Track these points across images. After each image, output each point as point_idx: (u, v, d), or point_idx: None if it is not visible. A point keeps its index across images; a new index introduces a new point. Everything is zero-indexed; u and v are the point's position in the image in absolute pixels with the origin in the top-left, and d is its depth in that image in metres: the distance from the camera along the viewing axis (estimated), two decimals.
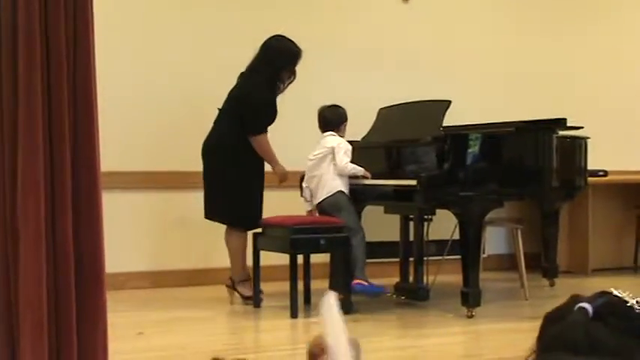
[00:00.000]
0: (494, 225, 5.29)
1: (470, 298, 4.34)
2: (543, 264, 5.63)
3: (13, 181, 2.23)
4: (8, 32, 2.23)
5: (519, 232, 5.15)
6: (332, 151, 4.75)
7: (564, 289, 5.47)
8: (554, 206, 5.58)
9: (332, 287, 4.80)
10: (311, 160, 4.84)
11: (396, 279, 5.09)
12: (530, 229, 5.70)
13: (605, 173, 5.70)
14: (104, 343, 2.38)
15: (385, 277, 5.21)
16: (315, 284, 4.84)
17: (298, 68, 4.96)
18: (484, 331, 4.18)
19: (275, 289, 4.88)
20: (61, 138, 2.27)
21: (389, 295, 4.92)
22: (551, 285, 5.58)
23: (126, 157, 5.35)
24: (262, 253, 4.73)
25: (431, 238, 4.87)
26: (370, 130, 5.40)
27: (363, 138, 5.35)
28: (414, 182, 4.34)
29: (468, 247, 4.36)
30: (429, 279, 4.90)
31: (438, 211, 4.74)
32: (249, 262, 4.81)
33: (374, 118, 5.47)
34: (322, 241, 4.47)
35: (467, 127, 4.81)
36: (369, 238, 4.75)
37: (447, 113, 4.79)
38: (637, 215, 6.45)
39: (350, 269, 4.53)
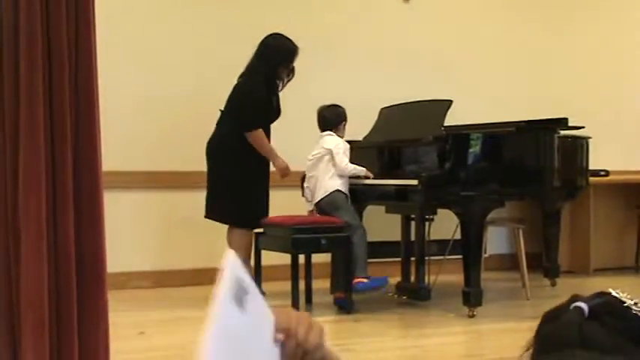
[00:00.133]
0: (495, 225, 5.29)
1: (471, 297, 4.34)
2: (545, 264, 5.63)
3: (15, 180, 2.24)
4: (10, 33, 2.23)
5: (521, 232, 5.15)
6: (329, 152, 4.75)
7: (566, 289, 5.47)
8: (555, 206, 5.58)
9: (333, 287, 4.81)
10: (310, 160, 4.85)
11: (398, 279, 5.09)
12: (532, 228, 5.70)
13: (607, 173, 5.70)
14: (105, 342, 2.38)
15: (386, 277, 5.21)
16: (317, 284, 4.85)
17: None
18: (485, 330, 4.18)
19: (276, 288, 4.88)
20: (63, 138, 2.27)
21: (390, 294, 4.92)
22: (553, 285, 5.58)
23: (128, 156, 5.36)
24: (264, 253, 4.74)
25: (432, 237, 4.87)
26: (371, 129, 5.41)
27: (365, 138, 5.36)
28: (415, 182, 4.34)
29: (469, 247, 4.36)
30: (430, 279, 4.90)
31: (439, 210, 4.75)
32: (251, 262, 4.81)
33: (375, 117, 5.47)
34: (323, 241, 4.47)
35: (468, 127, 4.82)
36: (370, 238, 4.76)
37: (448, 113, 4.80)
38: (638, 215, 6.45)
39: (351, 269, 4.53)
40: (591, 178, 5.29)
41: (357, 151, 5.12)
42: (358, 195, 4.93)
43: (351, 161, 4.78)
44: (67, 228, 2.28)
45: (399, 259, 5.14)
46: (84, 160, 2.32)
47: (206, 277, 5.50)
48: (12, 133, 2.24)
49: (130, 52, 5.47)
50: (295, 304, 4.38)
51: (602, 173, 5.64)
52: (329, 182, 4.74)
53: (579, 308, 0.85)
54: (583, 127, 4.95)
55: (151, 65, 5.55)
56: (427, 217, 4.82)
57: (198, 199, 4.98)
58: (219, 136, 4.91)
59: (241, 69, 4.95)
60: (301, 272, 4.62)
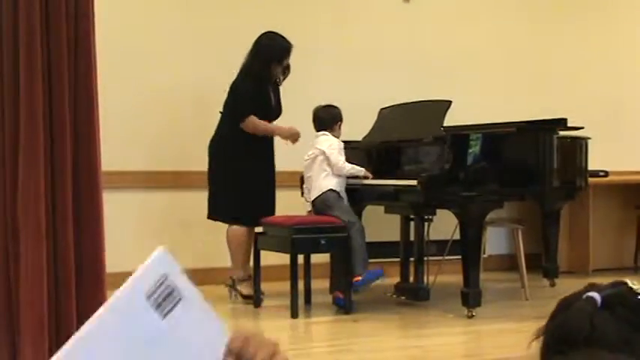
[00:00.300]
0: (494, 225, 5.29)
1: (470, 298, 4.34)
2: (544, 264, 5.63)
3: (14, 181, 2.24)
4: (9, 32, 2.23)
5: (520, 233, 5.14)
6: (322, 153, 4.75)
7: (565, 289, 5.41)
8: (554, 206, 5.58)
9: (333, 287, 4.80)
10: (305, 161, 4.86)
11: (397, 279, 5.09)
12: (531, 229, 5.70)
13: (606, 173, 5.70)
14: None
15: (386, 277, 5.20)
16: (316, 284, 4.85)
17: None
18: (484, 331, 4.18)
19: (275, 289, 4.88)
20: (62, 138, 2.27)
21: (389, 294, 4.92)
22: (552, 285, 5.57)
23: (127, 156, 5.35)
24: (263, 253, 4.74)
25: (431, 238, 4.87)
26: (371, 130, 5.40)
27: (364, 138, 5.35)
28: (414, 182, 4.34)
29: (468, 248, 4.36)
30: (429, 279, 4.90)
31: (438, 211, 4.74)
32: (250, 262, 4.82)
33: (374, 118, 5.47)
34: (323, 241, 4.47)
35: (467, 128, 4.82)
36: (369, 239, 4.74)
37: (448, 113, 4.79)
38: (637, 215, 6.45)
39: (350, 269, 4.52)
40: (590, 179, 5.29)
41: (357, 151, 5.11)
42: (357, 195, 4.92)
43: (350, 161, 4.78)
44: (67, 228, 2.28)
45: (398, 259, 5.14)
46: (83, 160, 2.32)
47: (206, 277, 5.50)
48: (11, 132, 2.24)
49: (130, 52, 5.46)
50: (294, 305, 4.37)
51: (602, 174, 5.64)
52: (322, 182, 4.74)
53: (592, 298, 0.84)
54: (582, 128, 4.95)
55: (151, 65, 5.54)
56: (426, 217, 4.82)
57: (198, 199, 4.98)
58: (220, 136, 4.95)
59: None
60: (300, 272, 4.61)
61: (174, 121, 5.58)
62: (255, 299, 4.73)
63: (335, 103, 4.97)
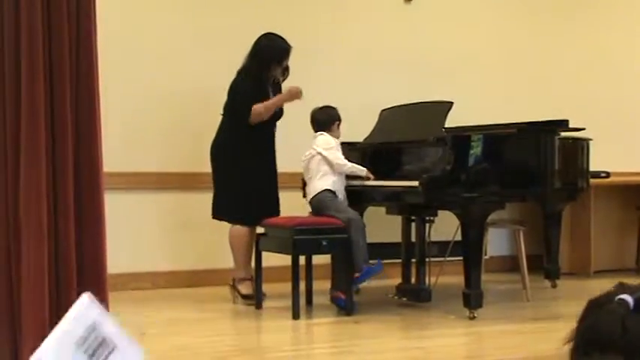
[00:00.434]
0: (496, 226, 5.29)
1: (472, 299, 4.33)
2: (545, 265, 5.62)
3: (16, 180, 2.24)
4: (11, 31, 2.23)
5: (521, 234, 5.14)
6: (319, 154, 4.75)
7: (566, 290, 5.47)
8: (556, 208, 5.58)
9: (334, 288, 4.80)
10: (303, 162, 4.86)
11: (398, 280, 5.08)
12: (532, 230, 5.69)
13: (608, 175, 5.69)
14: None
15: (387, 278, 5.21)
16: (317, 285, 4.84)
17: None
18: (486, 332, 4.18)
19: (277, 290, 4.88)
20: (64, 138, 2.27)
21: (391, 296, 4.91)
22: (553, 286, 5.57)
23: (130, 157, 5.35)
24: (264, 254, 4.73)
25: (433, 239, 4.87)
26: (372, 131, 5.40)
27: (365, 139, 5.35)
28: (415, 183, 4.34)
29: (469, 249, 4.35)
30: (431, 280, 4.90)
31: (439, 212, 4.74)
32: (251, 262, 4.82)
33: (375, 119, 5.47)
34: (324, 242, 4.46)
35: (469, 129, 4.81)
36: (371, 239, 4.73)
37: (449, 114, 4.79)
38: (639, 216, 6.44)
39: (352, 267, 4.51)
40: (592, 180, 5.28)
41: (358, 152, 5.11)
42: (359, 196, 4.92)
43: (351, 162, 4.77)
44: (68, 229, 2.28)
45: (399, 260, 5.13)
46: (85, 160, 2.32)
47: (208, 278, 5.51)
48: (13, 132, 2.24)
49: (131, 52, 5.46)
50: (296, 306, 4.37)
51: (603, 175, 5.63)
52: (318, 182, 4.74)
53: (624, 301, 0.83)
54: (584, 129, 4.94)
55: (153, 65, 5.54)
56: (428, 218, 4.82)
57: (200, 200, 4.98)
58: (221, 138, 4.96)
59: None
60: (302, 274, 4.61)
61: (176, 122, 5.58)
62: (256, 300, 4.73)
63: (335, 104, 4.97)
